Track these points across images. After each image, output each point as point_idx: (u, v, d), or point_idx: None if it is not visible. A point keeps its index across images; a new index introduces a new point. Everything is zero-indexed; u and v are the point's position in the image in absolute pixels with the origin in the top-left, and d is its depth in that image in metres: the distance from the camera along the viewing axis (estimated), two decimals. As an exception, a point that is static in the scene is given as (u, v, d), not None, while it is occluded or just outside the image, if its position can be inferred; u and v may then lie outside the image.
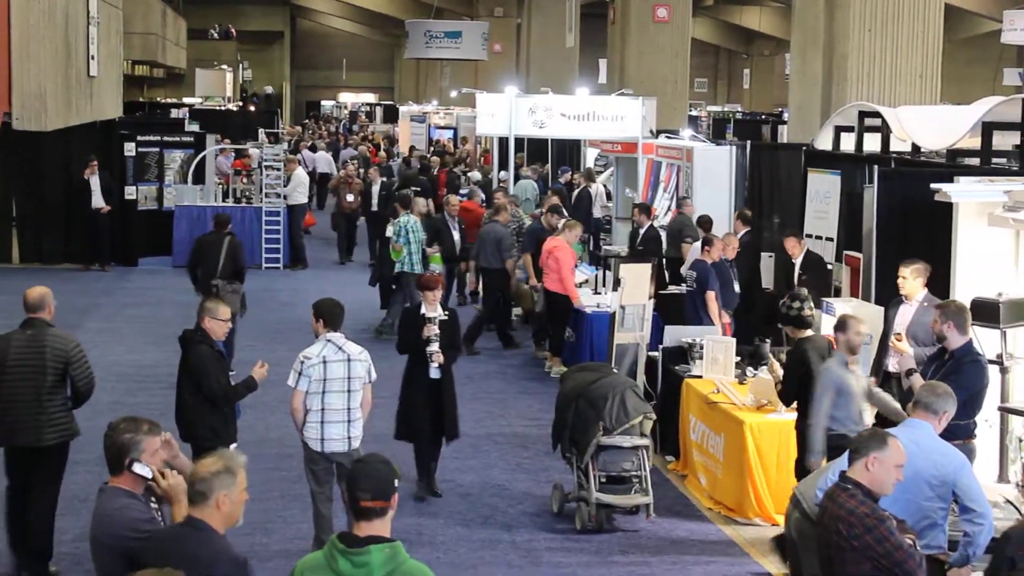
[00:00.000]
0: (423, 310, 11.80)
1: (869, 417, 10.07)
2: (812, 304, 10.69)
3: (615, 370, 12.41)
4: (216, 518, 5.61)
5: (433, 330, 11.63)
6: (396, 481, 5.39)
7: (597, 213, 25.17)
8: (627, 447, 11.07)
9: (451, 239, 19.52)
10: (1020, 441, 9.99)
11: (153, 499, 6.10)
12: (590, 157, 27.07)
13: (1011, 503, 8.40)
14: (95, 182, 24.60)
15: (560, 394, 11.61)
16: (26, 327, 9.66)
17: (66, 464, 10.01)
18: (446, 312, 11.89)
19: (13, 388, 9.51)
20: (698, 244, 16.73)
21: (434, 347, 11.66)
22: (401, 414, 12.02)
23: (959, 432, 7.95)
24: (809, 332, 10.56)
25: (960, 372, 9.11)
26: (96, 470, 11.54)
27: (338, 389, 9.82)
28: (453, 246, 19.58)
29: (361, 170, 30.50)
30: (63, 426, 9.68)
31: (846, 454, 7.65)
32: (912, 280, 11.18)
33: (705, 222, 17.69)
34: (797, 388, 10.23)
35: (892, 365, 11.34)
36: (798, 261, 15.31)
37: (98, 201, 24.64)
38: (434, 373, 11.77)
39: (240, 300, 16.39)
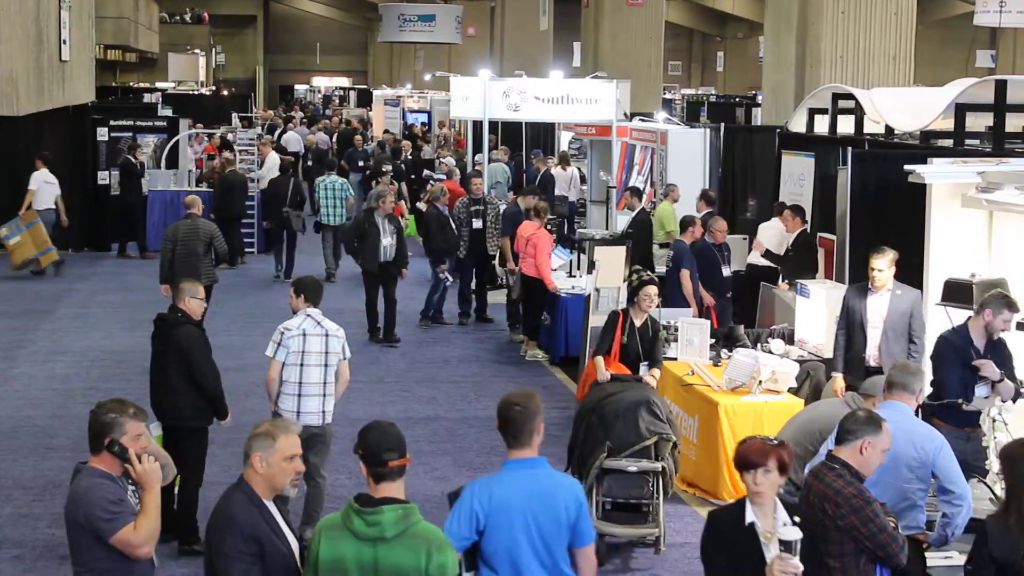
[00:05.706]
0: (748, 514, 5.97)
1: None
2: None
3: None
4: (256, 479, 5.73)
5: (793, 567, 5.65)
6: None
7: (572, 197, 25.20)
8: (633, 472, 9.85)
9: (452, 232, 18.61)
10: (994, 422, 10.02)
11: (131, 482, 6.07)
12: (564, 140, 27.09)
13: (983, 483, 8.44)
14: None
15: (578, 408, 10.70)
16: (186, 218, 16.44)
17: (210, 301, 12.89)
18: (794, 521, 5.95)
19: (183, 253, 15.92)
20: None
21: None
22: None
23: None
24: None
25: None
26: (70, 456, 11.54)
27: (316, 363, 9.85)
28: (456, 238, 18.62)
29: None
30: (210, 275, 16.22)
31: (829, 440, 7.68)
32: (888, 270, 10.80)
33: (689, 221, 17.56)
34: None
35: (872, 359, 10.97)
36: (792, 235, 15.29)
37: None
38: None
39: (301, 221, 22.39)
